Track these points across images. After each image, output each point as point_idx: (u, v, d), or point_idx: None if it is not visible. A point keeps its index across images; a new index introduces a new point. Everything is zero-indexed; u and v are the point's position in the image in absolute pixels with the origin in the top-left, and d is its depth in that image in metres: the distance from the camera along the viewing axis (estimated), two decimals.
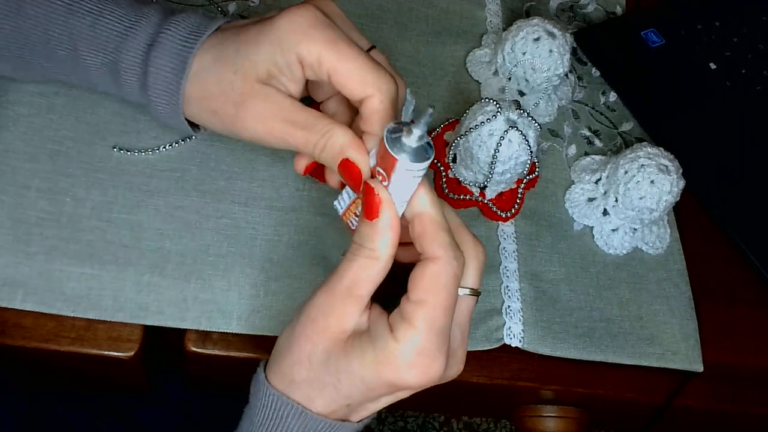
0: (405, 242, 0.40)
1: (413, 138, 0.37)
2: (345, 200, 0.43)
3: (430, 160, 0.37)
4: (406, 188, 0.38)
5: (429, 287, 0.38)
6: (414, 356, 0.38)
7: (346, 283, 0.39)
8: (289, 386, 0.40)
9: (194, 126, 0.48)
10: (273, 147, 0.44)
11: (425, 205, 0.39)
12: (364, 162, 0.41)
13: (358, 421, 0.42)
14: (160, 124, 0.51)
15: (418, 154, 0.37)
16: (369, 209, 0.39)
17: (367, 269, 0.39)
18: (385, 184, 0.39)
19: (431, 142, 0.38)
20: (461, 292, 0.41)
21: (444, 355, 0.39)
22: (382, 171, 0.39)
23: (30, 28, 0.45)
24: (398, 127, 0.38)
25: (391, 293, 0.41)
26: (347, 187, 0.44)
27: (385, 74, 0.42)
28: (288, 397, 0.40)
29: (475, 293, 0.42)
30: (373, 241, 0.39)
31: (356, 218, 0.40)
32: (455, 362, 0.41)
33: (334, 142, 0.41)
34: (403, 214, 0.40)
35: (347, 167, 0.41)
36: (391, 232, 0.39)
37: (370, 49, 0.46)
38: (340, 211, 0.44)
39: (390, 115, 0.42)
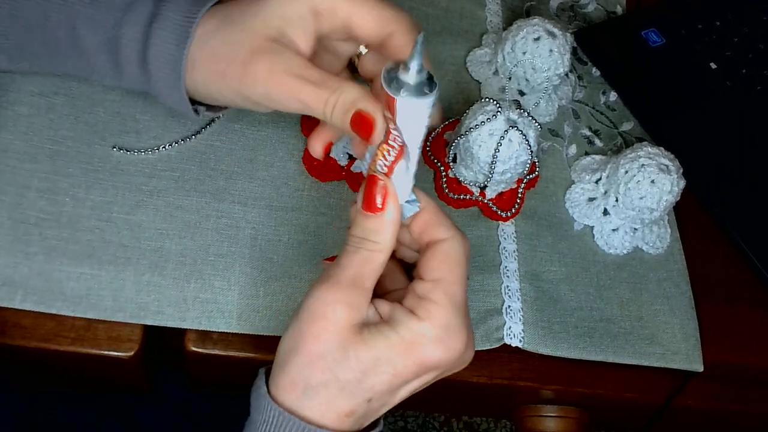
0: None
1: (411, 73, 0.35)
2: (367, 159, 0.42)
3: (433, 96, 0.35)
4: (414, 130, 0.37)
5: (443, 265, 0.39)
6: (440, 332, 0.38)
7: (350, 275, 0.39)
8: (304, 393, 0.38)
9: (193, 105, 0.47)
10: (281, 108, 0.42)
11: (421, 201, 0.41)
12: (379, 111, 0.39)
13: (365, 429, 0.41)
14: (160, 102, 0.48)
15: (419, 89, 0.35)
16: (371, 202, 0.39)
17: (371, 261, 0.39)
18: (393, 127, 0.38)
19: (433, 78, 0.36)
20: None
21: (467, 329, 0.39)
22: (390, 116, 0.37)
23: (28, 9, 0.44)
24: (395, 66, 0.36)
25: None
26: (369, 147, 0.42)
27: (403, 11, 0.42)
28: (297, 414, 0.38)
29: None
30: (378, 233, 0.39)
31: (384, 162, 0.39)
32: (471, 345, 0.41)
33: (346, 97, 0.40)
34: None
35: (360, 119, 0.39)
36: (396, 225, 0.39)
37: None
38: (364, 171, 0.43)
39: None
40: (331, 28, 0.42)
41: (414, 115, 0.36)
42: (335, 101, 0.40)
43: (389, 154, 0.39)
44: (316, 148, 0.46)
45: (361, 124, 0.39)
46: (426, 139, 0.58)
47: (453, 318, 0.38)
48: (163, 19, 0.43)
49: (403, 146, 0.38)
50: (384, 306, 0.40)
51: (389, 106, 0.37)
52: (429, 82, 0.36)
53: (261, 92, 0.42)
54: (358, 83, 0.41)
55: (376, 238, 0.39)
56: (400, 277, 0.44)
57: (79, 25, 0.44)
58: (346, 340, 0.38)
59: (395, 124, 0.37)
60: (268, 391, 0.39)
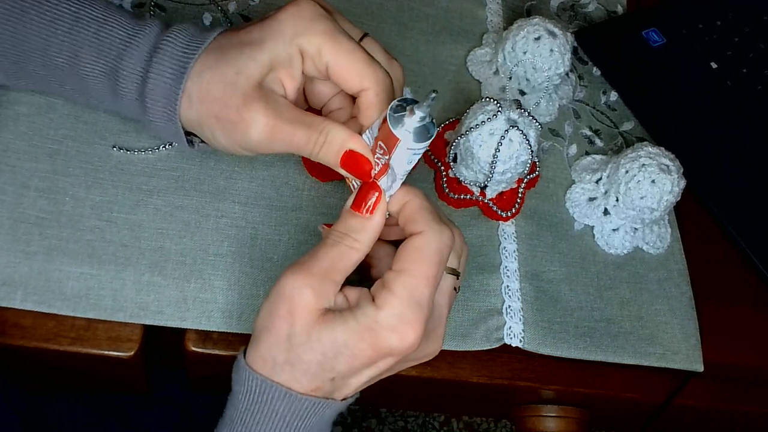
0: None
1: (415, 119, 0.38)
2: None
3: (430, 140, 0.39)
4: (405, 164, 0.41)
5: (411, 257, 0.40)
6: (393, 321, 0.39)
7: (323, 266, 0.41)
8: (272, 369, 0.41)
9: (189, 136, 0.48)
10: (274, 151, 0.45)
11: (407, 195, 0.43)
12: (367, 152, 0.43)
13: (342, 399, 0.42)
14: (152, 134, 0.50)
15: (419, 134, 0.39)
16: (361, 204, 0.42)
17: (347, 258, 0.41)
18: (386, 158, 0.41)
19: (434, 122, 0.39)
20: None
21: (422, 324, 0.40)
22: (383, 146, 0.41)
23: (31, 33, 0.44)
24: (402, 105, 0.39)
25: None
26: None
27: (380, 68, 0.44)
28: (271, 380, 0.41)
29: (454, 272, 0.44)
30: (360, 233, 0.41)
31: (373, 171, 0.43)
32: (434, 339, 0.43)
33: (333, 138, 0.43)
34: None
35: (353, 158, 0.43)
36: (377, 232, 0.42)
37: (363, 38, 0.47)
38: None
39: (385, 107, 0.43)
40: (316, 70, 0.44)
41: (409, 154, 0.40)
42: (323, 141, 0.43)
43: (376, 167, 0.43)
44: None
45: (356, 162, 0.43)
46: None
47: (407, 310, 0.39)
48: (162, 54, 0.44)
49: (386, 166, 0.42)
50: (353, 293, 0.42)
51: (389, 140, 0.40)
52: (430, 126, 0.39)
53: (254, 138, 0.43)
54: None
55: (357, 236, 0.41)
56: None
57: (82, 54, 0.45)
58: (309, 324, 0.40)
59: (390, 155, 0.40)
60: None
